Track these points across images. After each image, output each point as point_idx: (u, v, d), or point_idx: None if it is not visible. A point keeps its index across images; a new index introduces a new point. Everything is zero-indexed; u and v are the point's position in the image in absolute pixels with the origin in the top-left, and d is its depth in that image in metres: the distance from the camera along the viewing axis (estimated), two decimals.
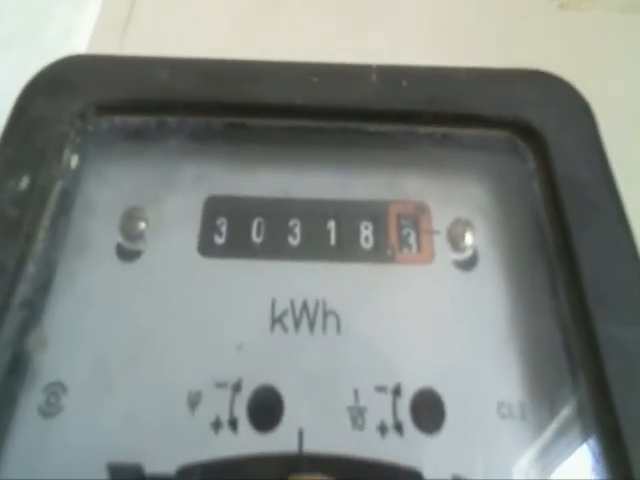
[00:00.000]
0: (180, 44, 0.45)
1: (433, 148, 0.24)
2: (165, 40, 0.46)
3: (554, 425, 0.19)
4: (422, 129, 0.24)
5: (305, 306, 0.21)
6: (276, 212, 0.23)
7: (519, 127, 0.24)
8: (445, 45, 0.45)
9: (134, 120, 0.24)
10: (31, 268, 0.20)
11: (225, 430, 0.19)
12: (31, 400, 0.19)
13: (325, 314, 0.21)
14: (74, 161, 0.23)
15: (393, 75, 0.24)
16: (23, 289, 0.20)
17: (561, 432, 0.19)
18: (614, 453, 0.17)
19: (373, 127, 0.24)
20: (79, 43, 0.48)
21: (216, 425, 0.19)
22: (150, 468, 0.18)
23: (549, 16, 0.50)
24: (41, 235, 0.21)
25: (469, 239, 0.23)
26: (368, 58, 0.25)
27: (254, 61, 0.25)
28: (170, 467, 0.18)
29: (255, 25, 0.45)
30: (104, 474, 0.18)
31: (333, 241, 0.23)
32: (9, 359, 0.19)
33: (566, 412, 0.19)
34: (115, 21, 0.50)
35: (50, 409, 0.19)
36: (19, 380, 0.19)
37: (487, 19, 0.48)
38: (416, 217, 0.23)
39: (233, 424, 0.19)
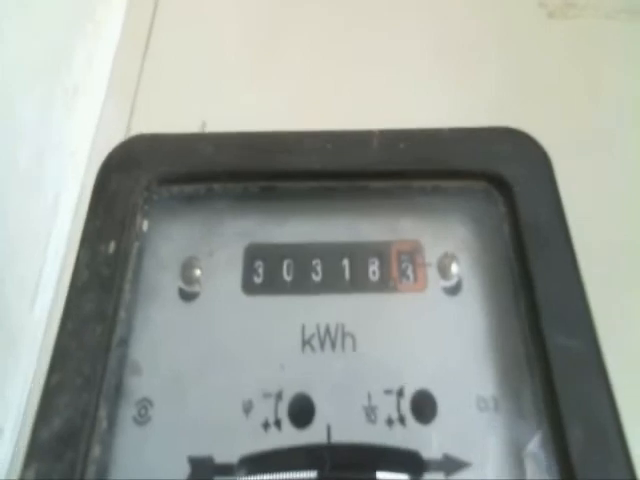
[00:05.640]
0: (198, 64, 0.52)
1: (425, 198, 0.30)
2: (184, 62, 0.53)
3: (519, 415, 0.25)
4: (415, 183, 0.30)
5: (328, 330, 0.28)
6: (302, 254, 0.30)
7: (492, 178, 0.30)
8: (438, 56, 0.52)
9: (188, 188, 0.30)
10: (122, 314, 0.27)
11: (272, 429, 0.25)
12: (127, 413, 0.26)
13: (344, 335, 0.27)
14: (145, 225, 0.29)
15: (391, 139, 0.31)
16: (119, 331, 0.26)
17: (524, 420, 0.25)
18: (558, 439, 0.23)
19: (376, 184, 0.30)
20: (101, 72, 0.54)
21: (265, 425, 0.25)
22: (219, 459, 0.25)
23: (538, 24, 0.56)
24: (127, 287, 0.27)
25: (455, 269, 0.29)
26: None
27: (280, 132, 0.31)
28: (233, 458, 0.25)
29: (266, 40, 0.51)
30: (186, 465, 0.25)
31: (347, 276, 0.29)
32: (115, 385, 0.25)
33: (527, 405, 0.25)
34: (135, 46, 0.56)
35: (142, 419, 0.26)
36: (119, 399, 0.26)
37: (480, 29, 0.54)
38: (412, 253, 0.29)
39: (278, 424, 0.25)
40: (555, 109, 0.47)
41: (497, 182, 0.30)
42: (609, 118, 0.48)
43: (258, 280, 0.29)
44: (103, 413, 0.25)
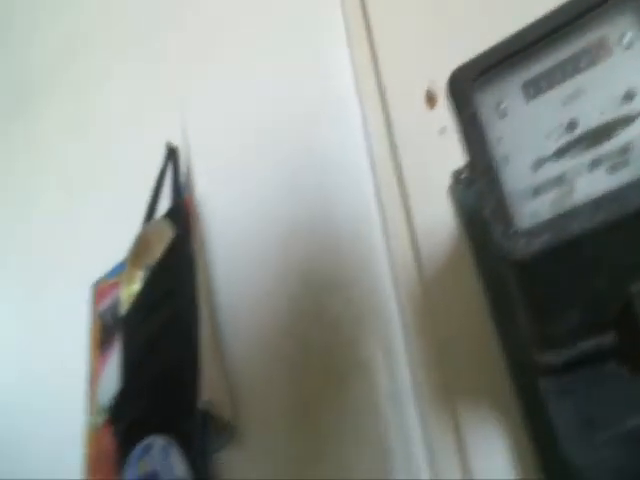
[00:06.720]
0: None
1: (604, 13, 0.58)
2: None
3: None
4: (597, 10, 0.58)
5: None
6: (547, 71, 0.59)
7: None
8: None
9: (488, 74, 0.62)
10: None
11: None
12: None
13: (580, 92, 0.56)
14: (478, 93, 0.62)
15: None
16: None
17: None
18: None
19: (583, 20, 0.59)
20: None
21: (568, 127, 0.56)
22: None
23: None
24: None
25: (627, 37, 0.56)
26: None
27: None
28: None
29: None
30: None
31: (572, 62, 0.58)
32: None
33: None
34: None
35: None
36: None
37: None
38: (604, 39, 0.57)
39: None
40: None
41: None
42: None
43: (531, 92, 0.60)
44: None
